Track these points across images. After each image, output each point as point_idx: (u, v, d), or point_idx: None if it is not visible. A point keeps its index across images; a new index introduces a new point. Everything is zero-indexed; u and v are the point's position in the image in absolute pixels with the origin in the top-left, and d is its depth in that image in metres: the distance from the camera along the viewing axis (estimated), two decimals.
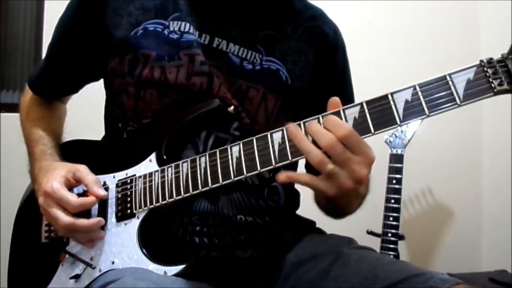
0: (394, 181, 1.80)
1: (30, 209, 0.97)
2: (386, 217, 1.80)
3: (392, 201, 1.79)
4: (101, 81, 1.01)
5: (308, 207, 0.98)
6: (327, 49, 0.99)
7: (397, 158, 1.83)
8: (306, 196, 0.97)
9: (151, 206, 0.83)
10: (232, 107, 0.86)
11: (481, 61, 0.64)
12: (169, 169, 0.83)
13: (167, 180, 0.82)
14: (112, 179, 0.89)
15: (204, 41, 0.90)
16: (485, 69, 0.63)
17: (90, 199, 0.84)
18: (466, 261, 2.20)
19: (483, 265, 2.19)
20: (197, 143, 0.88)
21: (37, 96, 1.06)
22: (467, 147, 2.27)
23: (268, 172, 0.91)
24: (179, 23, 0.90)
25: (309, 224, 1.02)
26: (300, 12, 0.99)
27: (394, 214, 1.78)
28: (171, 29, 0.90)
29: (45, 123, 1.02)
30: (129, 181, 0.87)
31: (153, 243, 0.83)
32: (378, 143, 1.81)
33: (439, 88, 0.65)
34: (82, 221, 0.82)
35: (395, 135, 1.85)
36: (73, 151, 0.98)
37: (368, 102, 0.68)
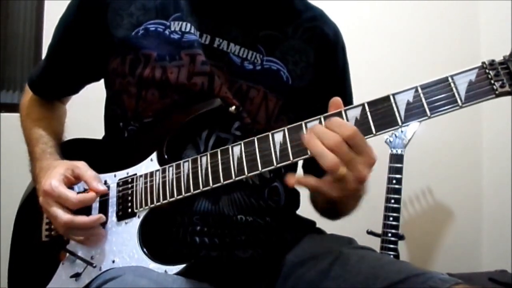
0: (394, 181, 1.80)
1: (30, 208, 0.98)
2: (386, 217, 1.80)
3: (392, 201, 1.79)
4: (101, 81, 1.01)
5: (308, 207, 0.99)
6: (328, 50, 0.99)
7: (397, 158, 1.84)
8: (306, 196, 0.98)
9: (152, 206, 0.83)
10: (233, 107, 0.86)
11: (483, 62, 0.64)
12: (170, 168, 0.83)
13: (168, 179, 0.82)
14: (113, 178, 0.89)
15: (205, 41, 0.90)
16: (487, 71, 0.63)
17: (90, 195, 0.83)
18: (466, 261, 2.21)
19: (483, 265, 2.19)
20: (198, 143, 0.88)
21: (37, 96, 1.06)
22: (467, 147, 2.27)
23: (268, 172, 0.92)
24: (180, 23, 0.90)
25: (309, 224, 1.02)
26: (300, 12, 0.99)
27: (394, 214, 1.79)
28: (172, 29, 0.90)
29: (45, 123, 1.02)
30: (130, 180, 0.87)
31: (153, 242, 0.83)
32: (378, 143, 1.81)
33: (440, 89, 0.65)
34: (81, 218, 0.82)
35: (395, 135, 1.85)
36: (74, 150, 0.98)
37: (370, 103, 0.68)
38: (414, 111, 0.66)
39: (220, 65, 0.90)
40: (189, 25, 0.90)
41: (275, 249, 0.92)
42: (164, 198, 0.82)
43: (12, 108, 1.84)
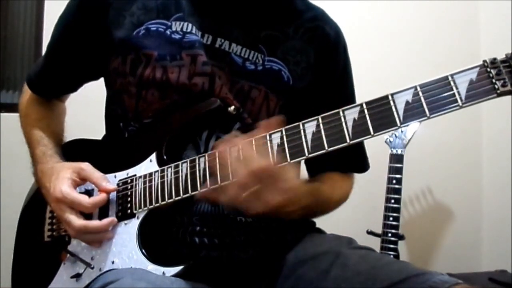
0: (394, 181, 1.80)
1: (34, 208, 0.98)
2: (386, 217, 1.79)
3: (392, 201, 1.79)
4: (101, 80, 1.01)
5: None
6: (328, 50, 0.99)
7: (397, 158, 1.83)
8: None
9: (151, 207, 0.83)
10: (232, 107, 0.86)
11: (484, 61, 0.62)
12: (169, 169, 0.83)
13: (167, 180, 0.82)
14: (113, 178, 0.89)
15: (207, 42, 0.90)
16: (488, 69, 0.62)
17: (102, 196, 0.85)
18: (466, 261, 2.20)
19: (483, 265, 2.19)
20: (198, 144, 0.88)
21: (35, 95, 1.06)
22: (467, 147, 2.27)
23: None
24: (182, 23, 0.90)
25: (309, 224, 1.02)
26: (301, 12, 0.99)
27: (394, 214, 1.78)
28: (173, 29, 0.90)
29: (44, 123, 1.02)
30: (129, 181, 0.87)
31: (153, 243, 0.83)
32: (378, 143, 1.82)
33: (440, 89, 0.63)
34: (95, 223, 0.84)
35: (395, 135, 1.85)
36: (74, 151, 0.98)
37: (368, 103, 0.68)
38: (414, 111, 0.64)
39: (222, 65, 0.90)
40: (190, 25, 0.90)
41: (275, 249, 0.92)
42: (163, 199, 0.82)
43: (12, 108, 1.84)
